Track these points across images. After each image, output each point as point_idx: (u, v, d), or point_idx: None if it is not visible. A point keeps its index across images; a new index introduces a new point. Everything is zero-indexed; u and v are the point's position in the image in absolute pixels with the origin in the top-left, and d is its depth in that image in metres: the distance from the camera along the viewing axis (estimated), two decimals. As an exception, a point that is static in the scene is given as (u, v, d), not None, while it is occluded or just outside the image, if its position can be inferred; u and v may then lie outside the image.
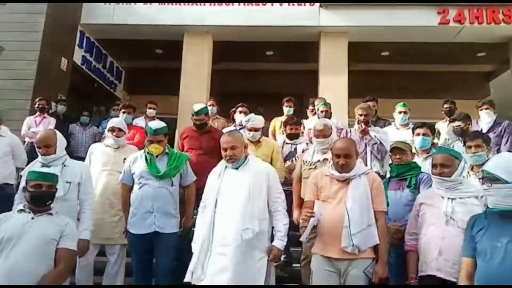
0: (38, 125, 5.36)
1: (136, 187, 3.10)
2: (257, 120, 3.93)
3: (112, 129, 3.67)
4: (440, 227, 2.32)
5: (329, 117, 4.87)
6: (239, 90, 8.63)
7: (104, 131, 5.94)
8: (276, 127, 5.55)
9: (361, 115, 3.95)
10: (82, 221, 2.97)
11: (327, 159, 3.25)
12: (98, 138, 5.86)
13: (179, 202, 3.19)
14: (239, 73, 8.93)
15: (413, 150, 3.22)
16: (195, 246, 2.61)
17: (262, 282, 2.46)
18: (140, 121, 5.74)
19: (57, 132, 3.11)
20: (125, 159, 3.37)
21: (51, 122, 5.45)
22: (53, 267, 2.29)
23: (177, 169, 3.11)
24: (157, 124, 3.16)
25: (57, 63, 6.80)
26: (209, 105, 5.65)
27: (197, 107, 3.94)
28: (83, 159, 3.75)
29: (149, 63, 9.02)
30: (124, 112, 4.65)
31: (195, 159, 3.70)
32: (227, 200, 2.57)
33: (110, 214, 3.42)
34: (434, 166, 2.47)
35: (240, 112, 4.99)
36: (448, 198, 2.38)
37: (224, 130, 4.88)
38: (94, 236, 3.09)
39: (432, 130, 3.58)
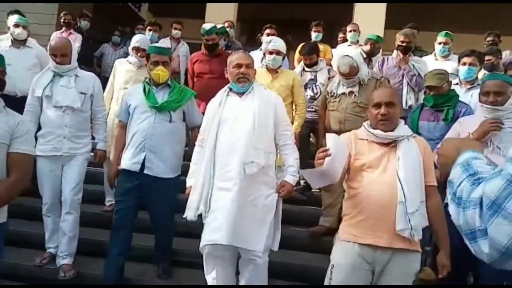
0: (64, 41, 5.31)
1: (131, 122, 2.76)
2: (279, 42, 3.53)
3: (136, 49, 3.63)
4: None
5: (376, 54, 4.61)
6: (267, 16, 8.19)
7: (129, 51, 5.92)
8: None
9: (402, 42, 3.65)
10: (97, 132, 3.09)
11: (353, 92, 3.12)
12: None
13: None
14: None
15: (453, 80, 3.03)
16: (192, 180, 2.41)
17: (270, 220, 2.28)
18: (165, 43, 5.61)
19: (71, 41, 3.10)
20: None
21: (77, 38, 5.40)
22: (5, 176, 1.84)
23: (179, 102, 2.75)
24: (161, 43, 2.97)
25: (83, -23, 6.56)
26: (226, 27, 5.43)
27: (207, 25, 3.76)
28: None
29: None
30: (150, 30, 4.53)
31: (206, 82, 3.61)
32: (229, 131, 2.32)
33: None
34: (485, 94, 2.27)
35: (268, 34, 4.70)
36: None
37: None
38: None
39: (481, 60, 3.31)
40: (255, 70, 2.49)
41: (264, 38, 4.74)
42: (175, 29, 5.67)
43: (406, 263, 1.80)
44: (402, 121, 1.99)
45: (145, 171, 2.63)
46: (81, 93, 2.90)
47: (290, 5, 8.37)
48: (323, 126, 3.31)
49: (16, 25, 3.99)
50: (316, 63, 3.98)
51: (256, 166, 2.23)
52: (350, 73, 3.06)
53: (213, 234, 2.23)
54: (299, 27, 6.04)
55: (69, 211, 2.86)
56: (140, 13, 8.69)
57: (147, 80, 2.80)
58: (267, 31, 4.77)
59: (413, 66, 3.60)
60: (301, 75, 4.07)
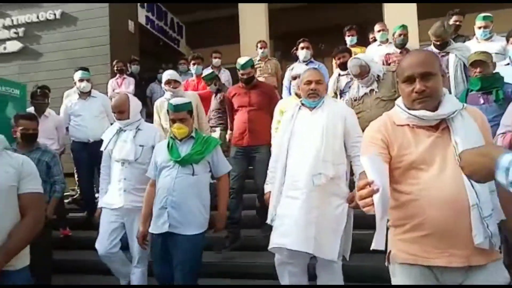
0: (120, 86, 5.88)
1: (158, 179, 2.68)
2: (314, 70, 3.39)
3: (168, 82, 3.86)
4: None
5: (406, 42, 4.65)
6: (297, 28, 8.42)
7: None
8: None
9: (436, 41, 3.67)
10: None
11: (373, 90, 3.24)
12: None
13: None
14: (296, 10, 8.65)
15: (498, 61, 3.00)
16: (269, 187, 2.65)
17: (342, 229, 2.35)
18: (208, 72, 6.00)
19: (130, 96, 3.13)
20: None
21: (130, 81, 5.94)
22: (20, 218, 1.82)
23: (201, 154, 2.61)
24: (178, 100, 2.73)
25: (125, 26, 7.19)
26: (260, 47, 5.67)
27: (242, 60, 3.72)
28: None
29: (207, 14, 9.12)
30: (194, 64, 4.88)
31: (247, 116, 3.63)
32: (299, 143, 2.46)
33: None
34: None
35: (302, 48, 4.91)
36: None
37: (287, 73, 4.89)
38: None
39: None
40: (326, 84, 2.66)
41: (300, 52, 4.93)
42: (215, 58, 6.05)
43: (489, 277, 1.36)
44: (446, 91, 1.50)
45: (169, 229, 2.51)
46: (140, 145, 2.94)
47: (319, 15, 8.53)
48: None
49: (81, 80, 4.52)
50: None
51: (324, 177, 2.31)
52: (362, 73, 3.22)
53: (280, 238, 2.34)
54: (331, 34, 6.15)
55: (136, 265, 2.97)
56: (179, 48, 9.26)
57: (171, 135, 2.73)
58: (301, 44, 4.94)
59: (455, 55, 3.57)
60: (338, 81, 4.21)
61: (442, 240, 1.35)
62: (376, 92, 3.23)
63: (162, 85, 4.01)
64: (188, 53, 9.32)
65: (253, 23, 7.41)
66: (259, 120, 3.58)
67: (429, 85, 1.38)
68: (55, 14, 6.88)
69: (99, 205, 3.09)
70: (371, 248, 1.32)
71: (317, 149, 2.36)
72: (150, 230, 2.64)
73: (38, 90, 4.46)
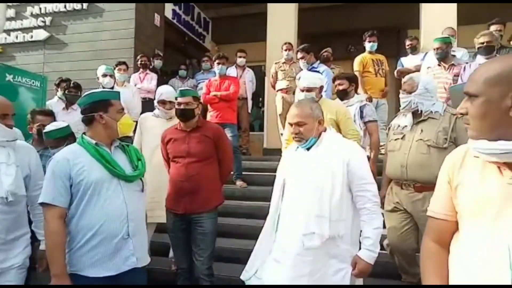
0: (142, 81, 5.76)
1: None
2: (309, 77, 3.07)
3: (163, 102, 3.26)
4: None
5: (443, 56, 4.23)
6: (328, 29, 8.14)
7: (198, 83, 6.22)
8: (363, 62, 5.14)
9: (482, 43, 3.38)
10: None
11: (421, 121, 2.57)
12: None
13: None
14: (328, 10, 8.35)
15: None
16: (261, 235, 2.14)
17: None
18: (231, 71, 5.83)
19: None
20: None
21: (153, 77, 5.81)
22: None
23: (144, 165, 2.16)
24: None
25: (151, 19, 7.08)
26: (285, 49, 5.44)
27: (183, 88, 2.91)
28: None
29: (234, 10, 8.93)
30: (219, 63, 4.70)
31: (184, 171, 2.66)
32: (292, 191, 2.01)
33: None
34: None
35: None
36: None
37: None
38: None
39: None
40: (320, 118, 2.05)
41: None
42: (240, 57, 5.87)
43: None
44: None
45: (135, 264, 2.03)
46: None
47: (350, 15, 8.21)
48: (384, 175, 2.85)
49: (104, 75, 4.42)
50: (347, 93, 3.55)
51: (318, 237, 1.84)
52: (411, 85, 2.62)
53: None
54: (361, 36, 5.85)
55: None
56: (204, 44, 9.12)
57: (93, 143, 1.97)
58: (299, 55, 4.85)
59: None
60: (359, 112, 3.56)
61: None
62: (421, 132, 2.55)
63: (155, 102, 3.36)
64: (213, 49, 9.19)
65: (282, 21, 7.15)
66: (203, 176, 2.67)
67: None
68: (82, 5, 6.84)
69: None
70: None
71: (310, 202, 1.89)
72: (95, 274, 1.84)
73: (72, 82, 4.41)
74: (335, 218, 1.87)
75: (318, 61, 5.02)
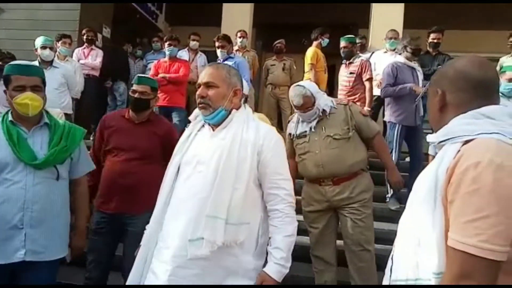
0: (86, 57, 5.45)
1: None
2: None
3: None
4: None
5: (351, 55, 4.47)
6: (282, 21, 8.20)
7: (148, 64, 6.00)
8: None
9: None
10: None
11: (323, 127, 2.60)
12: (143, 70, 5.92)
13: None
14: (283, 3, 8.40)
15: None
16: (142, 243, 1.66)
17: None
18: (183, 54, 5.69)
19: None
20: None
21: (98, 53, 5.52)
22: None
23: (67, 151, 1.96)
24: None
25: (100, -9, 6.68)
26: (239, 37, 5.44)
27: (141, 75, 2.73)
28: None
29: (190, -8, 8.70)
30: (170, 45, 4.59)
31: (124, 167, 2.35)
32: (184, 183, 1.57)
33: None
34: None
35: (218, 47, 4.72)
36: None
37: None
38: None
39: None
40: (238, 89, 1.64)
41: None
42: (193, 40, 5.74)
43: None
44: None
45: (26, 257, 1.83)
46: None
47: (305, 9, 8.33)
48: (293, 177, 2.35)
49: (44, 47, 4.12)
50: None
51: (207, 244, 1.42)
52: (305, 105, 2.56)
53: None
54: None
55: None
56: (157, 24, 8.79)
57: (9, 117, 1.87)
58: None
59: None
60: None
61: None
62: (325, 129, 2.60)
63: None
64: (166, 29, 8.88)
65: (238, 8, 7.09)
66: (142, 176, 2.33)
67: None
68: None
69: None
70: None
71: (201, 196, 1.47)
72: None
73: (6, 52, 4.01)
74: (234, 221, 1.45)
75: (234, 52, 4.95)
